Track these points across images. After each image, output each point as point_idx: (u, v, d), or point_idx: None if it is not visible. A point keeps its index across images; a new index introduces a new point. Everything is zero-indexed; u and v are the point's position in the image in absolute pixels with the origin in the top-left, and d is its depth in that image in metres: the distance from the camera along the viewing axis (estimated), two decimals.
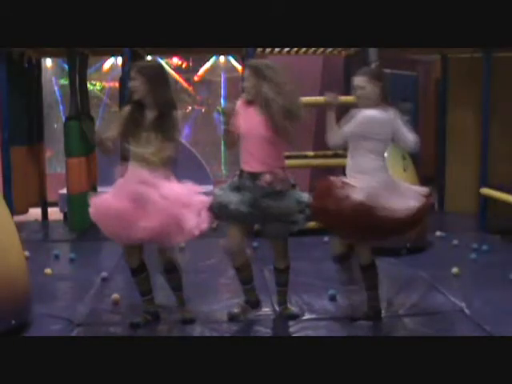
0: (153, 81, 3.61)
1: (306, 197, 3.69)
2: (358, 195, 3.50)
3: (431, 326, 3.77)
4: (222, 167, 9.73)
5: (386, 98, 3.67)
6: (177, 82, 9.42)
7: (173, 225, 3.50)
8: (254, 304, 3.94)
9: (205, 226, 3.57)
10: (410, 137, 3.71)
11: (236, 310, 3.92)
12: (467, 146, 7.12)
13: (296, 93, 3.67)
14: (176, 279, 3.87)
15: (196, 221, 3.53)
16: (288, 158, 5.97)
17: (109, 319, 4.00)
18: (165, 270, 3.84)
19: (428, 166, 7.63)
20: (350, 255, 3.86)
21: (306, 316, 3.96)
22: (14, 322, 3.61)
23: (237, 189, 3.70)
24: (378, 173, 3.64)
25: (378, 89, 3.65)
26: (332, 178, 3.72)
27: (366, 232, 3.57)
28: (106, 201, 3.63)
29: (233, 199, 3.67)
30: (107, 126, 3.94)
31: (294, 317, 3.90)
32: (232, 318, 3.88)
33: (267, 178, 3.60)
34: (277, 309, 4.02)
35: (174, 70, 9.46)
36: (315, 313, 4.00)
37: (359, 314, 3.87)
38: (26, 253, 4.53)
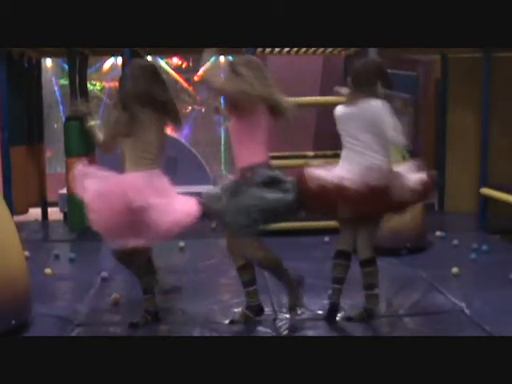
0: (129, 80, 3.73)
1: (270, 195, 3.59)
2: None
3: (431, 326, 3.77)
4: (222, 167, 9.73)
5: (358, 91, 3.69)
6: (177, 81, 9.42)
7: (132, 222, 3.46)
8: (256, 310, 3.89)
9: (186, 221, 3.52)
10: (391, 133, 3.59)
11: (238, 317, 3.89)
12: (467, 146, 7.12)
13: (277, 91, 3.71)
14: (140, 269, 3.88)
15: (170, 219, 3.47)
16: (288, 158, 6.01)
17: (109, 319, 4.00)
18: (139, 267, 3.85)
19: (428, 166, 7.61)
20: (350, 256, 3.86)
21: (306, 316, 3.97)
22: (13, 322, 3.61)
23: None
24: (347, 162, 3.69)
25: (349, 83, 3.73)
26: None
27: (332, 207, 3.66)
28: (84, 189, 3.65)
29: (214, 194, 3.74)
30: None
31: (295, 312, 3.90)
32: (233, 323, 3.87)
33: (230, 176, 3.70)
34: (276, 309, 4.03)
35: (173, 69, 9.46)
36: (315, 313, 4.00)
37: (354, 313, 3.88)
38: (26, 253, 4.54)
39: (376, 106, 3.62)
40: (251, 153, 3.70)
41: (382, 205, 3.65)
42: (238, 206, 3.60)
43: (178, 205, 3.56)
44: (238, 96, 3.63)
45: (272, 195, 3.60)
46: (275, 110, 3.71)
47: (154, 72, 3.76)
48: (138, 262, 3.81)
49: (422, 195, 3.81)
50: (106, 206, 3.49)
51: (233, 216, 3.62)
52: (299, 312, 3.95)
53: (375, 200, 3.58)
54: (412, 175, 3.76)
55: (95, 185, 3.57)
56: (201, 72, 3.74)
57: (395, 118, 3.62)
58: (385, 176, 3.61)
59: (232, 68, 3.72)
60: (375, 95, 3.65)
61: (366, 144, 3.65)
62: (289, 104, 3.75)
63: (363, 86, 3.69)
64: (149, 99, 3.63)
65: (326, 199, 3.65)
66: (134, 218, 3.45)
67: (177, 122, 3.82)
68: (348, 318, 3.86)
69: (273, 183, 3.64)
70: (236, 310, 4.01)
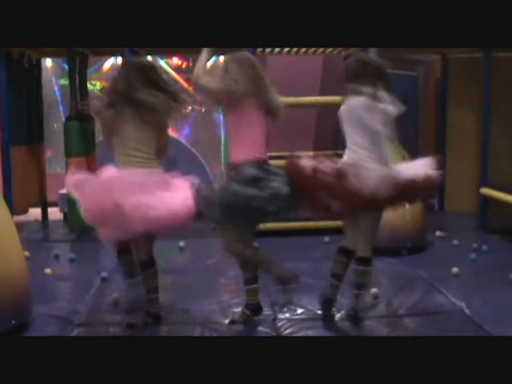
0: (114, 78, 3.88)
1: (244, 191, 3.55)
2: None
3: (431, 326, 3.77)
4: (222, 167, 9.72)
5: (348, 89, 3.72)
6: (177, 81, 9.41)
7: (112, 219, 3.53)
8: (255, 309, 3.88)
9: (168, 218, 3.55)
10: (377, 127, 3.65)
11: (237, 317, 3.89)
12: (467, 146, 7.12)
13: (270, 89, 3.71)
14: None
15: (147, 215, 3.50)
16: (288, 158, 6.00)
17: (109, 319, 4.00)
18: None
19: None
20: (352, 254, 3.86)
21: (306, 316, 3.97)
22: (13, 322, 3.61)
23: None
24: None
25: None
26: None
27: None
28: None
29: (205, 188, 3.81)
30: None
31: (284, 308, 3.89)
32: (232, 323, 3.87)
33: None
34: (276, 309, 4.03)
35: (174, 69, 9.46)
36: (315, 313, 4.00)
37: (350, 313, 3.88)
38: (26, 253, 4.53)
39: (356, 103, 3.66)
40: (238, 150, 3.72)
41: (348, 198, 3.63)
42: (214, 201, 3.62)
43: (162, 202, 3.56)
44: (222, 94, 3.67)
45: (247, 191, 3.55)
46: (267, 108, 3.71)
47: (143, 71, 3.75)
48: (138, 260, 3.82)
49: (420, 193, 3.79)
50: (90, 206, 3.59)
51: (210, 210, 3.63)
52: (293, 310, 3.98)
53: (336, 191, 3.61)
54: (415, 173, 3.74)
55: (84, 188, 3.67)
56: (194, 72, 3.74)
57: (380, 113, 3.64)
58: (354, 172, 3.59)
59: (224, 65, 3.75)
60: (360, 92, 3.65)
61: (354, 140, 3.69)
62: (280, 103, 3.74)
63: (349, 83, 3.73)
64: (128, 98, 3.66)
65: (307, 187, 3.67)
66: (113, 215, 3.51)
67: (164, 121, 3.81)
68: (347, 316, 3.86)
69: (255, 181, 3.59)
70: (236, 310, 4.01)
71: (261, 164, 3.69)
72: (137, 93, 3.64)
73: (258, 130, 3.72)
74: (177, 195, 3.65)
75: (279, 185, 3.61)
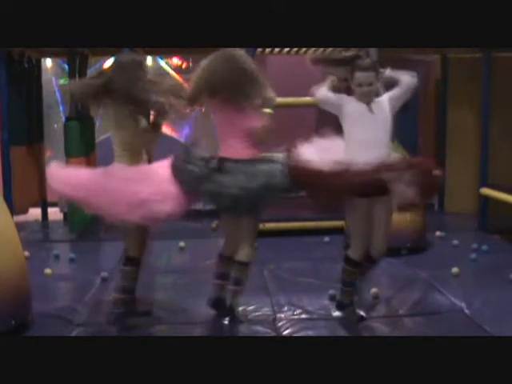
0: None
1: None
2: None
3: (431, 326, 3.77)
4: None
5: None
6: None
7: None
8: (228, 311, 3.84)
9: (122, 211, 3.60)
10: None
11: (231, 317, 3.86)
12: (467, 146, 7.11)
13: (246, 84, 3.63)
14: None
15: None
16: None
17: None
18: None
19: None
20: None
21: (306, 316, 3.97)
22: (13, 322, 3.61)
23: None
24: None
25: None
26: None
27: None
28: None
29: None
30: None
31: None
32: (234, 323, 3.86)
33: None
34: (275, 308, 4.03)
35: (173, 70, 9.46)
36: (315, 313, 4.00)
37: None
38: (26, 253, 4.53)
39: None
40: (221, 143, 3.77)
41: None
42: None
43: (111, 194, 3.63)
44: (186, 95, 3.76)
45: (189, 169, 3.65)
46: (239, 105, 3.66)
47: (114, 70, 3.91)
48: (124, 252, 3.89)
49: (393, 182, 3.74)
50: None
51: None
52: (292, 310, 4.00)
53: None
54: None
55: None
56: None
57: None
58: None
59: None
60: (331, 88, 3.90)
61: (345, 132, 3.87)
62: (259, 101, 3.73)
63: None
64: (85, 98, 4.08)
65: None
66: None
67: (125, 121, 3.86)
68: (338, 306, 3.89)
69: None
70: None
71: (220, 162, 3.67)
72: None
73: (217, 128, 3.74)
74: (141, 188, 3.63)
75: (219, 182, 3.61)
